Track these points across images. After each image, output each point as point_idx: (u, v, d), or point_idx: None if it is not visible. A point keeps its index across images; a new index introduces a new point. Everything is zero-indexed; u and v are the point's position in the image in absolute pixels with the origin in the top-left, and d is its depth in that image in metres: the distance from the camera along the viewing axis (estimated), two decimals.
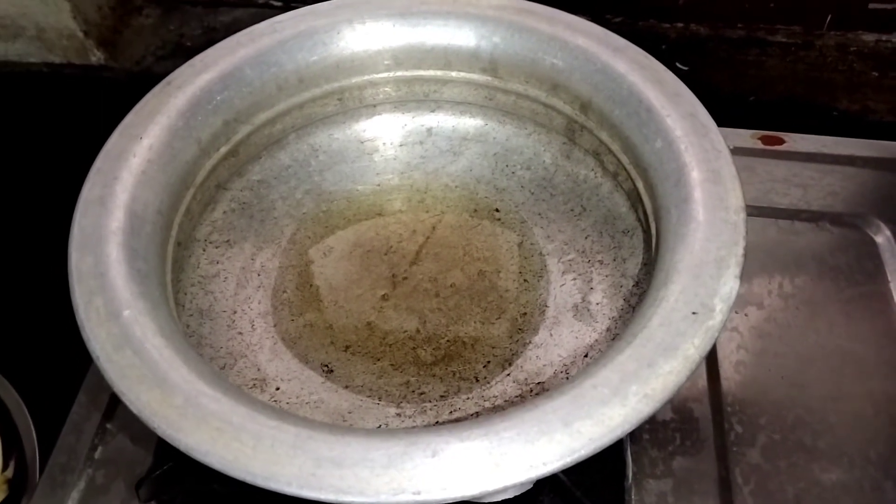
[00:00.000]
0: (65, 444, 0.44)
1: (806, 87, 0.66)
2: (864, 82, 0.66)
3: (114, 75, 0.72)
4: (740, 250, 0.33)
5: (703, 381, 0.44)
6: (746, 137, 0.55)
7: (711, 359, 0.45)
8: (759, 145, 0.55)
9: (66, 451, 0.44)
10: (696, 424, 0.43)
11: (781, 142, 0.55)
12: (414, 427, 0.39)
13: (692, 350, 0.30)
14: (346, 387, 0.41)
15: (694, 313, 0.31)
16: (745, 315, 0.47)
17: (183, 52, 0.73)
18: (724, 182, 0.35)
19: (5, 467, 0.47)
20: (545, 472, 0.28)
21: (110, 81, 0.72)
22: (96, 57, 0.72)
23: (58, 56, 0.72)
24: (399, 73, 0.47)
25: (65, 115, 0.68)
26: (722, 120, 0.39)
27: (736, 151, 0.37)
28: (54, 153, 0.64)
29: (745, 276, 0.33)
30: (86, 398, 0.46)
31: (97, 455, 0.44)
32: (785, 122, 0.58)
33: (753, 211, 0.47)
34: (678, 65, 0.67)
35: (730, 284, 0.32)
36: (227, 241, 0.45)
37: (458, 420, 0.38)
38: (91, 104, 0.68)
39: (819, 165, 0.54)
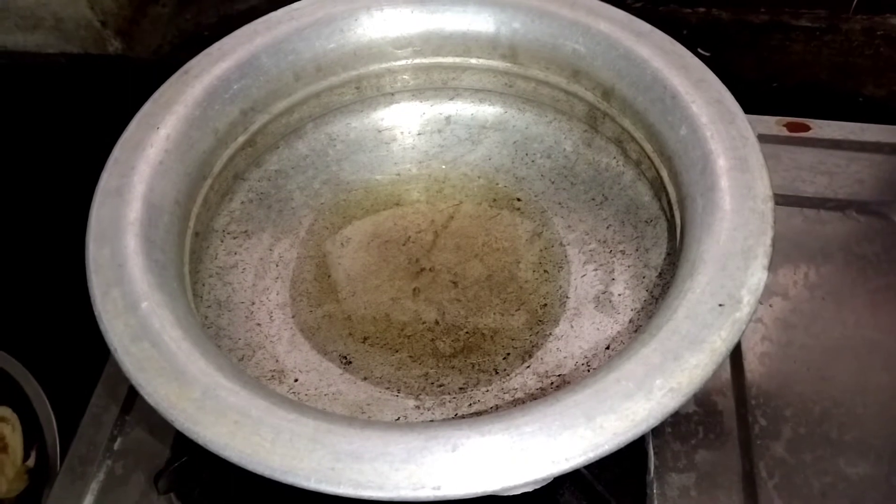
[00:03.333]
0: (84, 436, 0.44)
1: (831, 73, 0.65)
2: (892, 67, 0.64)
3: (131, 65, 0.72)
4: (768, 240, 0.32)
5: (726, 373, 0.44)
6: (771, 124, 0.54)
7: (736, 350, 0.44)
8: (785, 132, 0.54)
9: (86, 443, 0.44)
10: (720, 417, 0.42)
11: (807, 128, 0.54)
12: (433, 420, 0.38)
13: (719, 343, 0.29)
14: (365, 378, 0.40)
15: (721, 305, 0.30)
16: (770, 306, 0.46)
17: (200, 40, 0.72)
18: (751, 170, 0.34)
19: (27, 457, 0.47)
20: (567, 468, 0.27)
21: (128, 71, 0.72)
22: (113, 47, 0.72)
23: (75, 46, 0.72)
24: (417, 61, 0.47)
25: (82, 104, 0.68)
26: (745, 106, 0.38)
27: (760, 139, 0.37)
28: (72, 143, 0.64)
29: (771, 265, 0.32)
30: (104, 390, 0.46)
31: (116, 446, 0.44)
32: (809, 108, 0.56)
33: (779, 199, 0.46)
34: (700, 50, 0.66)
35: (757, 275, 0.31)
36: (245, 231, 0.45)
37: (477, 413, 0.38)
38: (108, 94, 0.68)
39: (845, 153, 0.53)
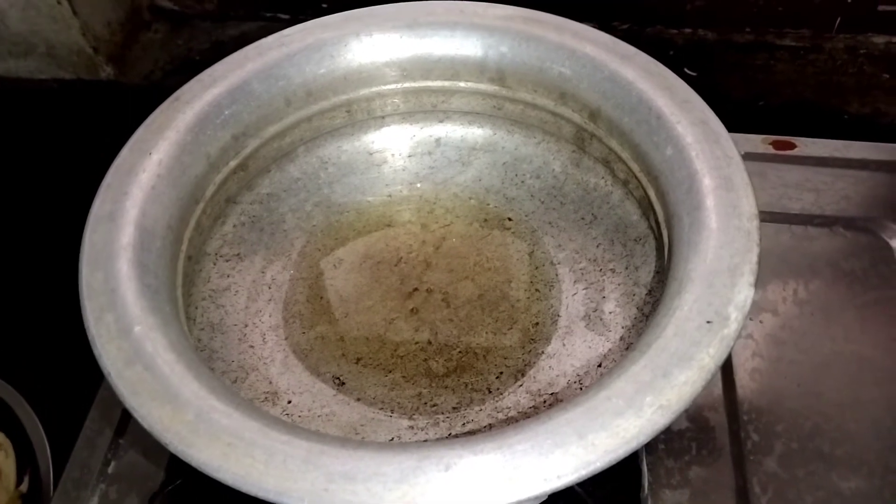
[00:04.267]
0: (78, 460, 0.44)
1: (816, 91, 0.66)
2: (875, 85, 0.65)
3: (123, 90, 0.73)
4: (754, 258, 0.33)
5: (718, 390, 0.44)
6: (757, 143, 0.55)
7: (727, 366, 0.45)
8: (771, 150, 0.55)
9: (80, 467, 0.44)
10: (712, 433, 0.42)
11: (793, 146, 0.55)
12: (426, 440, 0.38)
13: (707, 359, 0.30)
14: (358, 399, 0.41)
15: (708, 322, 0.31)
16: (760, 322, 0.46)
17: (191, 66, 0.73)
18: (736, 189, 0.35)
19: (20, 482, 0.47)
20: (559, 486, 0.27)
21: (120, 96, 0.72)
22: (106, 72, 0.72)
23: (68, 72, 0.72)
24: (407, 85, 0.47)
25: (75, 130, 0.68)
26: (731, 125, 0.38)
27: (747, 157, 0.37)
28: (65, 169, 0.64)
29: (760, 282, 0.32)
30: (98, 413, 0.46)
31: (110, 470, 0.44)
32: (795, 126, 0.57)
33: (766, 216, 0.46)
34: (686, 70, 0.67)
35: (744, 293, 0.31)
36: (238, 254, 0.45)
37: (471, 433, 0.38)
38: (101, 119, 0.68)
39: (831, 170, 0.54)
